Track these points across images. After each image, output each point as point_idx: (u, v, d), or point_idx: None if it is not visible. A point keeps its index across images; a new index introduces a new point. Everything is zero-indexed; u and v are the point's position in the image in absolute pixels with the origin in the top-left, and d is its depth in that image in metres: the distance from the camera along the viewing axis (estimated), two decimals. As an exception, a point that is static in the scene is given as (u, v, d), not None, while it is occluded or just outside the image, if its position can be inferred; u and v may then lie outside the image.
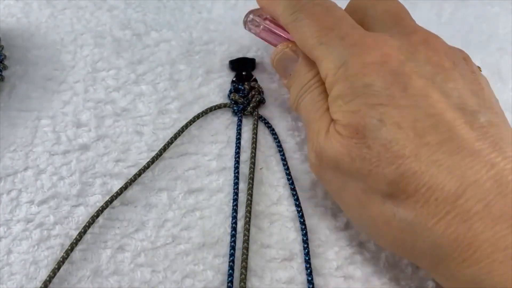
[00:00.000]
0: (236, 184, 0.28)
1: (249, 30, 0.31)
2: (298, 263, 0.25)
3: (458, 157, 0.20)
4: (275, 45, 0.29)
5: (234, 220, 0.26)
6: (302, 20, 0.25)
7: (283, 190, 0.28)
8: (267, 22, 0.30)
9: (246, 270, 0.24)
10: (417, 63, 0.22)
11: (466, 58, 0.24)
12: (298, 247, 0.26)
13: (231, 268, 0.24)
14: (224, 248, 0.26)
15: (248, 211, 0.26)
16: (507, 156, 0.20)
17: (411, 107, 0.21)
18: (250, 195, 0.27)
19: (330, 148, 0.23)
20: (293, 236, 0.26)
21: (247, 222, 0.26)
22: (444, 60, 0.23)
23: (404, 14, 0.26)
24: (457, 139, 0.20)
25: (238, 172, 0.28)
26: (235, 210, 0.27)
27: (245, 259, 0.24)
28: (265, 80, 0.34)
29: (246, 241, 0.25)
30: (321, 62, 0.24)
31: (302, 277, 0.25)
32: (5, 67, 0.34)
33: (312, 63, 0.26)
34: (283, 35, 0.29)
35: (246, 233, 0.25)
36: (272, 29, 0.30)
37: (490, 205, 0.19)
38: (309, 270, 0.25)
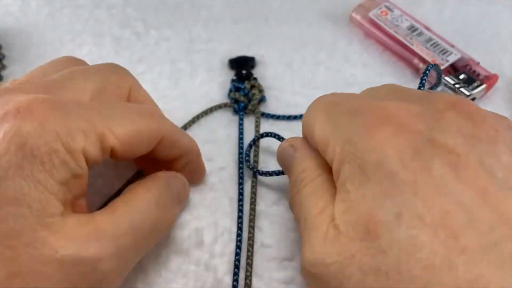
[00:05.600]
0: (241, 184, 0.28)
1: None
2: (298, 263, 0.25)
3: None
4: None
5: (240, 220, 0.26)
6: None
7: (283, 190, 0.28)
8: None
9: (251, 267, 0.24)
10: (445, 133, 0.17)
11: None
12: (298, 247, 0.26)
13: (237, 267, 0.24)
14: (223, 247, 0.26)
15: (253, 209, 0.26)
16: None
17: (439, 193, 0.16)
18: (254, 193, 0.27)
19: (329, 258, 0.17)
20: (293, 236, 0.26)
21: (252, 220, 0.26)
22: (482, 129, 0.17)
23: None
24: (507, 243, 0.15)
25: (242, 172, 0.28)
26: (240, 210, 0.27)
27: (250, 256, 0.25)
28: (265, 78, 0.33)
29: (251, 238, 0.25)
30: (327, 144, 0.19)
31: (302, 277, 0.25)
32: (3, 67, 0.33)
33: (311, 155, 0.22)
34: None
35: (251, 230, 0.26)
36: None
37: None
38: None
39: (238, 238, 0.25)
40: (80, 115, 0.20)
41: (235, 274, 0.24)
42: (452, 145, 0.17)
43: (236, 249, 0.25)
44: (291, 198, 0.22)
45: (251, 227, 0.26)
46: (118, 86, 0.24)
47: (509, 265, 0.14)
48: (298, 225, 0.21)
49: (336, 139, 0.19)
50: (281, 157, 0.25)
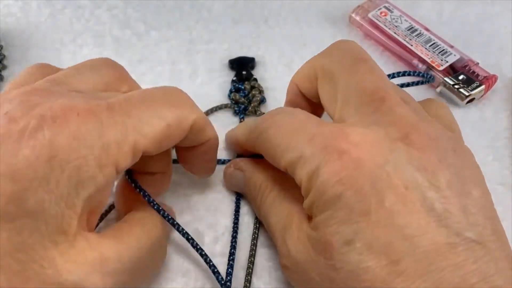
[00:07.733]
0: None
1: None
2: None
3: None
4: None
5: (236, 215, 0.26)
6: (267, 131, 0.22)
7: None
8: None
9: (253, 265, 0.25)
10: (397, 165, 0.19)
11: (452, 138, 0.20)
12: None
13: (231, 267, 0.24)
14: (223, 247, 0.26)
15: None
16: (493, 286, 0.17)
17: (387, 225, 0.18)
18: None
19: (301, 256, 0.20)
20: (294, 236, 0.26)
21: (257, 222, 0.26)
22: (428, 159, 0.19)
23: (383, 93, 0.21)
24: (437, 269, 0.17)
25: None
26: (237, 205, 0.27)
27: (252, 254, 0.25)
28: (265, 79, 0.33)
29: (255, 238, 0.26)
30: (294, 170, 0.21)
31: (303, 278, 0.25)
32: (4, 67, 0.34)
33: (257, 171, 0.25)
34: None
35: (256, 231, 0.26)
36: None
37: None
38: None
39: (234, 235, 0.26)
40: (113, 123, 0.19)
41: (228, 267, 0.24)
42: (403, 177, 0.18)
43: (232, 241, 0.25)
44: (256, 209, 0.26)
45: (256, 228, 0.26)
46: (118, 83, 0.24)
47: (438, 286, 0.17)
48: (269, 229, 0.24)
49: (302, 167, 0.20)
50: (230, 180, 0.27)
